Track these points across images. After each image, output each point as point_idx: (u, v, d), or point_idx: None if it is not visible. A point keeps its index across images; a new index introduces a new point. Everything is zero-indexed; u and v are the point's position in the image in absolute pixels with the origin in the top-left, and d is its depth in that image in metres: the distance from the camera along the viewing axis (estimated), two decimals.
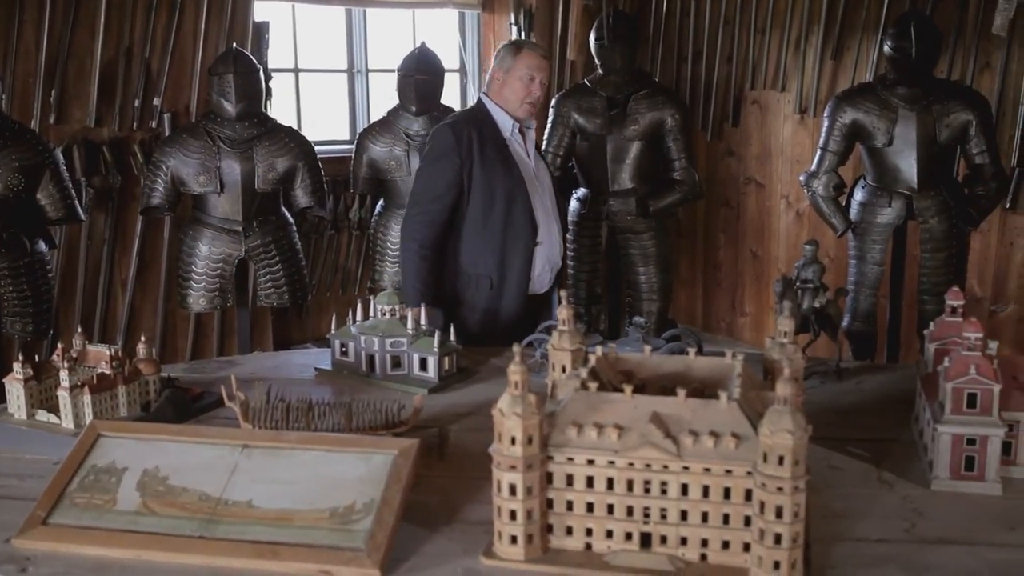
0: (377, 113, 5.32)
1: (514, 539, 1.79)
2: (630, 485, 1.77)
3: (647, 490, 1.76)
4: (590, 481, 1.78)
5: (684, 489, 1.75)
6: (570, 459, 1.78)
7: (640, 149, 5.17)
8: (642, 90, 5.20)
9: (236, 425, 2.39)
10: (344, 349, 2.98)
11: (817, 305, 2.86)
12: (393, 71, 5.09)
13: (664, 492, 1.76)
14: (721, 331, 6.76)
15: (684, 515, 1.76)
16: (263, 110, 4.85)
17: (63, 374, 2.41)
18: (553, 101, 5.36)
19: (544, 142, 5.33)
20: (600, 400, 1.82)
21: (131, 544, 1.87)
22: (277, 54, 5.91)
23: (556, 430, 1.80)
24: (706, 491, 1.74)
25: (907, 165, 4.44)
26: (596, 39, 5.27)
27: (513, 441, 1.74)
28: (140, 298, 5.48)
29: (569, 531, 1.82)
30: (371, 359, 2.91)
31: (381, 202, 5.20)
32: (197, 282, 4.72)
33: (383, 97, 6.19)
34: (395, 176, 5.02)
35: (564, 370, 2.08)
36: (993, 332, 5.09)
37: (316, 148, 4.95)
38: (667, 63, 6.55)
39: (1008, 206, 5.06)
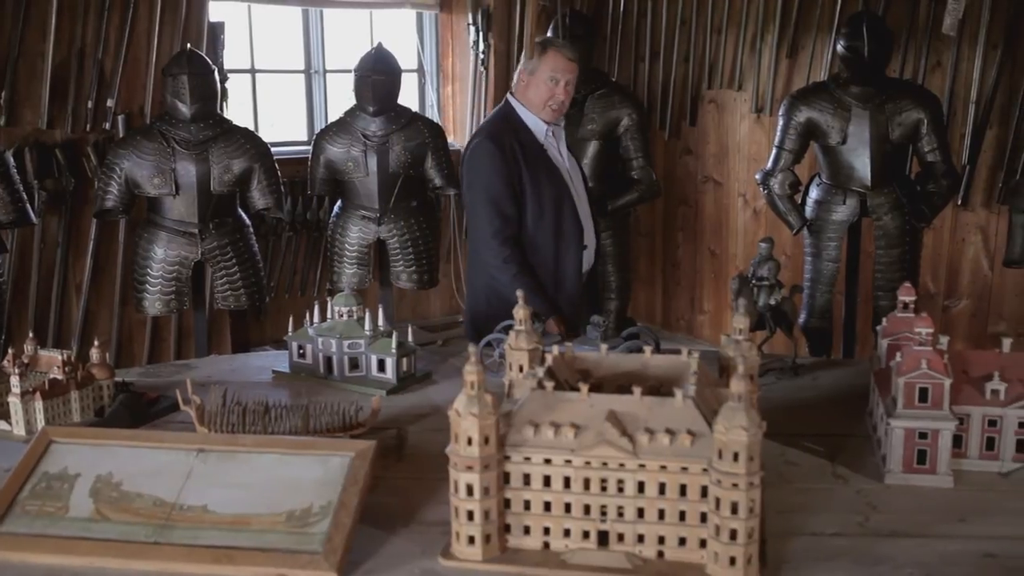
0: (335, 114, 5.29)
1: (472, 539, 1.79)
2: (587, 484, 1.77)
3: (604, 488, 1.77)
4: (547, 480, 1.79)
5: (640, 487, 1.76)
6: (527, 458, 1.79)
7: (597, 148, 5.20)
8: (599, 90, 5.22)
9: (192, 429, 2.37)
10: (302, 351, 2.96)
11: (773, 302, 2.89)
12: (351, 72, 5.06)
13: (621, 490, 1.77)
14: (680, 329, 6.80)
15: (641, 513, 1.77)
16: (218, 111, 4.80)
17: (14, 380, 2.37)
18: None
19: None
20: (556, 399, 1.82)
21: (84, 551, 1.85)
22: (233, 55, 5.85)
23: (513, 430, 1.80)
24: (662, 488, 1.75)
25: (861, 163, 4.49)
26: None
27: (470, 441, 1.74)
28: (95, 302, 5.41)
29: (527, 530, 1.82)
30: (329, 361, 2.90)
31: (339, 203, 5.17)
32: (153, 285, 4.67)
33: (341, 98, 6.16)
34: (353, 177, 5.00)
35: (521, 370, 2.08)
36: (946, 327, 5.17)
37: (273, 149, 4.91)
38: (625, 63, 6.58)
39: (960, 203, 5.15)
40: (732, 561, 1.70)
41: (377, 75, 4.94)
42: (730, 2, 6.00)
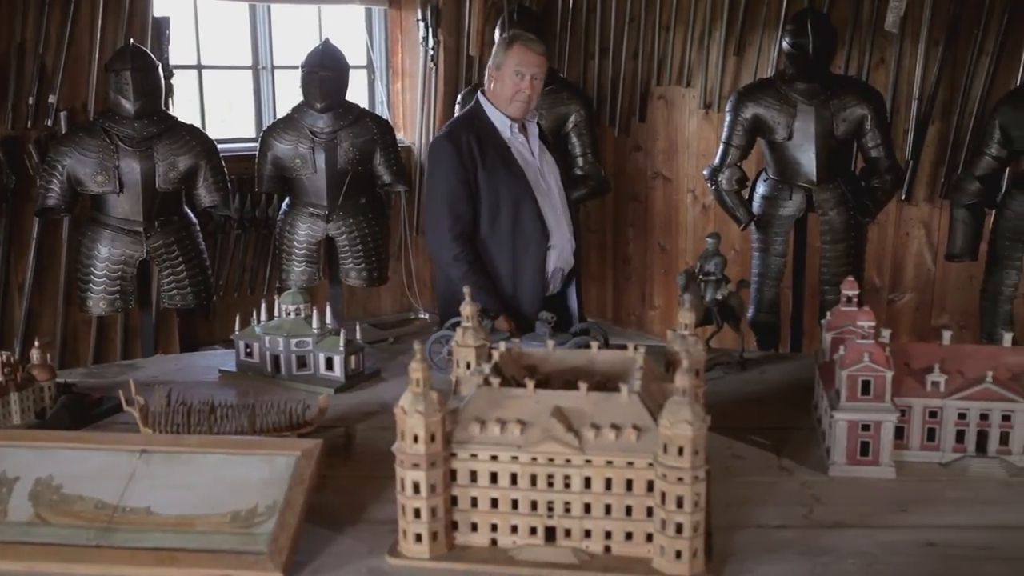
0: (284, 110, 5.24)
1: (419, 537, 1.78)
2: (533, 480, 1.78)
3: (551, 484, 1.77)
4: (494, 477, 1.79)
5: (587, 482, 1.76)
6: (473, 455, 1.78)
7: None
8: (547, 86, 5.20)
9: (136, 430, 2.34)
10: (249, 350, 2.93)
11: (719, 297, 2.92)
12: (299, 68, 5.02)
13: (567, 486, 1.77)
14: (631, 324, 6.84)
15: (588, 508, 1.77)
16: (163, 107, 4.74)
17: None
18: (459, 97, 5.38)
19: None
20: (503, 396, 1.82)
21: (23, 556, 1.81)
22: (179, 51, 5.78)
23: (459, 427, 1.79)
24: (608, 483, 1.76)
25: (806, 159, 4.54)
26: (500, 35, 5.27)
27: (416, 439, 1.74)
28: (39, 302, 5.32)
29: (474, 527, 1.82)
30: (276, 359, 2.87)
31: (287, 200, 5.13)
32: (97, 284, 4.59)
33: (290, 95, 6.11)
34: (301, 174, 4.95)
35: (468, 366, 2.07)
36: (892, 320, 5.25)
37: (221, 146, 4.86)
38: (574, 59, 6.60)
39: (903, 198, 5.22)
40: (678, 555, 1.71)
41: (324, 71, 4.90)
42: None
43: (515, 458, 1.77)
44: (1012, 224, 4.13)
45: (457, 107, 5.35)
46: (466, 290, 2.19)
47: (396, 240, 6.48)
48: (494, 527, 1.81)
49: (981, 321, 4.34)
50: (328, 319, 2.93)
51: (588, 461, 1.75)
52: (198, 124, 5.37)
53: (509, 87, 3.34)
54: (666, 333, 2.16)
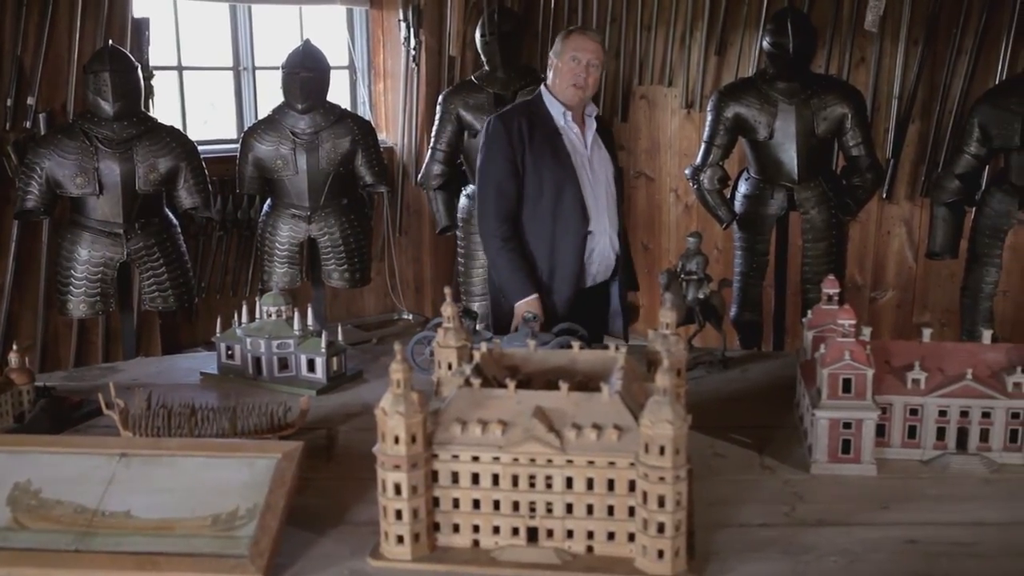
0: (266, 111, 5.21)
1: (400, 539, 1.78)
2: (515, 480, 1.77)
3: (532, 485, 1.77)
4: (476, 478, 1.78)
5: (569, 482, 1.76)
6: (455, 456, 1.78)
7: None
8: (529, 86, 5.22)
9: (116, 434, 2.32)
10: (230, 352, 2.92)
11: (701, 296, 2.93)
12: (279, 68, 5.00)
13: (549, 486, 1.77)
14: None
15: (570, 508, 1.77)
16: (143, 109, 4.71)
17: None
18: (440, 98, 5.37)
19: (432, 139, 5.32)
20: (484, 396, 1.82)
21: (1, 562, 1.79)
22: (159, 52, 5.74)
23: (440, 428, 1.79)
24: (590, 483, 1.76)
25: (788, 158, 4.55)
26: (480, 35, 5.29)
27: (397, 440, 1.73)
28: (19, 305, 5.27)
29: (456, 528, 1.82)
30: (258, 361, 2.86)
31: (269, 202, 5.11)
32: (77, 287, 4.56)
33: (271, 95, 6.08)
34: (282, 175, 4.93)
35: (450, 367, 2.07)
36: (873, 318, 5.28)
37: (203, 148, 4.83)
38: None
39: (884, 196, 5.25)
40: (660, 554, 1.71)
41: (305, 72, 4.88)
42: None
43: (497, 459, 1.77)
44: (991, 221, 4.16)
45: (438, 107, 5.34)
46: (447, 290, 2.18)
47: (379, 241, 6.46)
48: (476, 528, 1.81)
49: (962, 318, 4.37)
50: (310, 320, 2.92)
51: (570, 461, 1.75)
52: (179, 126, 5.33)
53: (566, 73, 3.44)
54: (648, 332, 2.16)
